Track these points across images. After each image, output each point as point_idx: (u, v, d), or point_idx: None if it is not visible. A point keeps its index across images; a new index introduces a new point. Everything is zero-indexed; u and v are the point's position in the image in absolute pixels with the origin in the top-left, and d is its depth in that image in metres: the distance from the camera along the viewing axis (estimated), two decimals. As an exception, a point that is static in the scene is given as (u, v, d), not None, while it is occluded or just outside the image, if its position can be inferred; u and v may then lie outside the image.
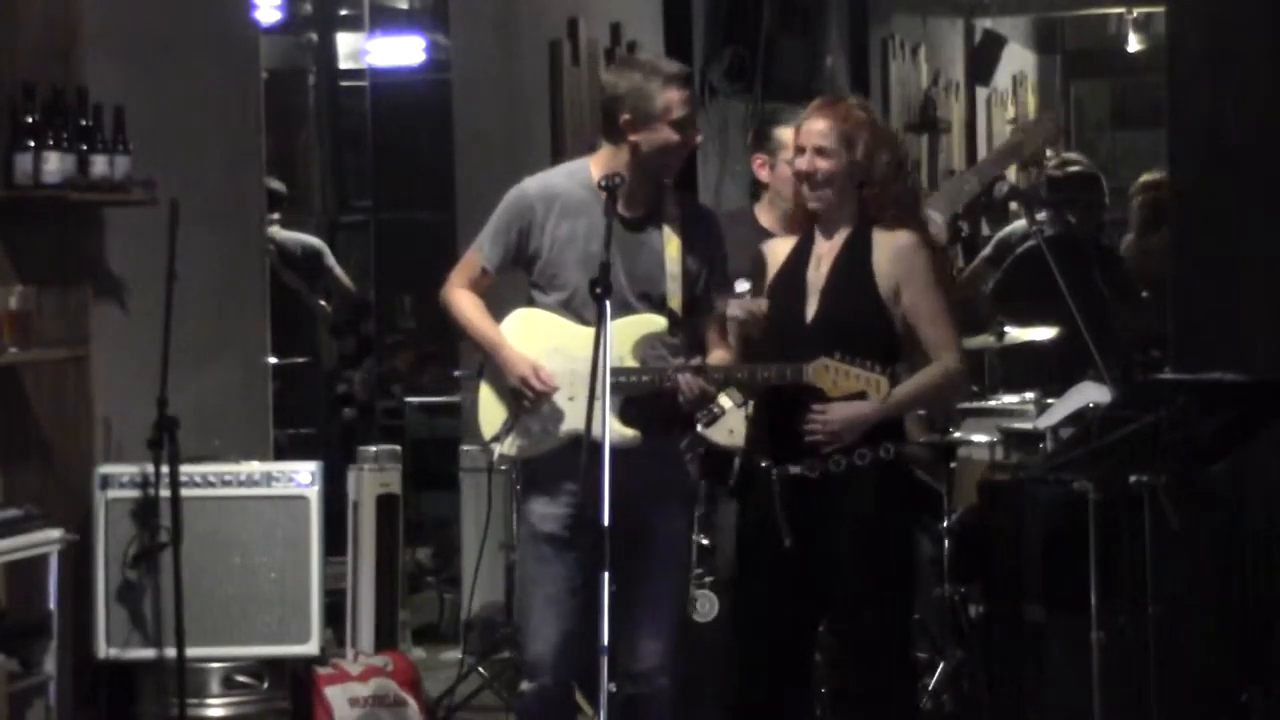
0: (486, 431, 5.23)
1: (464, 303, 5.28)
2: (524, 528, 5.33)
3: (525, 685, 5.24)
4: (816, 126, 5.20)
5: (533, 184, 5.27)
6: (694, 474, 5.34)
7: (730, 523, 5.68)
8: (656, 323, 5.10)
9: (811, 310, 5.19)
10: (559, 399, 5.11)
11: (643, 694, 5.15)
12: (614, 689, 4.94)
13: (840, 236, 5.23)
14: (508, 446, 5.20)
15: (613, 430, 4.84)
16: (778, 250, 5.35)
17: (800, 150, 5.21)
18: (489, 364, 5.22)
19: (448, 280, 5.32)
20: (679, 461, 5.26)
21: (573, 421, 5.07)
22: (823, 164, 5.17)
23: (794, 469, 5.15)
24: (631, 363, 5.05)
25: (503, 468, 7.07)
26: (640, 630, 5.14)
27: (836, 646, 5.36)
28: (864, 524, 5.15)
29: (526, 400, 5.12)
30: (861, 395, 4.92)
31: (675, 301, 5.15)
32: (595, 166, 5.19)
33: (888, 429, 5.20)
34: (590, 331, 4.99)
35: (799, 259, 5.28)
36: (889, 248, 5.20)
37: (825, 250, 5.23)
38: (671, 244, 5.16)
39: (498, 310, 5.28)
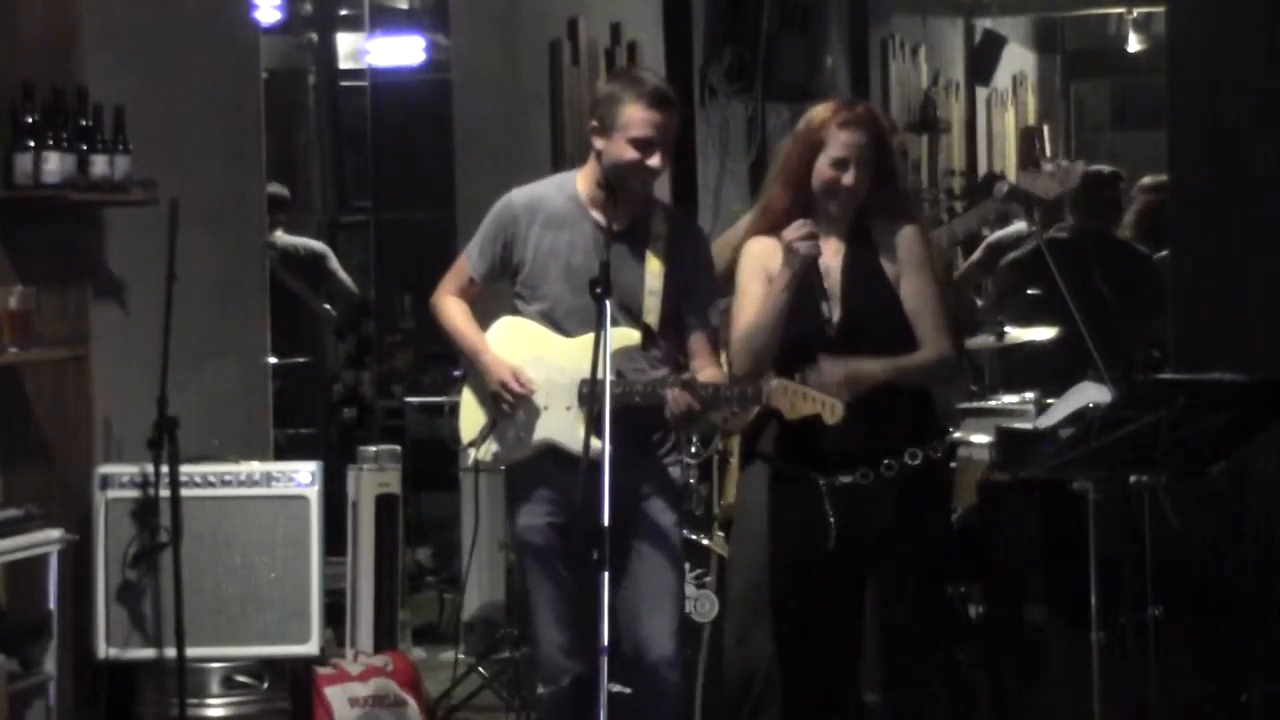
0: (465, 436, 5.26)
1: (450, 309, 5.30)
2: (517, 538, 5.35)
3: (541, 689, 5.27)
4: (861, 139, 5.11)
5: (520, 195, 5.27)
6: (679, 476, 5.30)
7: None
8: (631, 337, 5.09)
9: (835, 317, 5.17)
10: (535, 409, 5.13)
11: (652, 690, 5.15)
12: (621, 689, 4.94)
13: (841, 235, 5.21)
14: (484, 452, 5.23)
15: (581, 441, 4.83)
16: (765, 251, 5.28)
17: (843, 163, 5.11)
18: (471, 369, 5.24)
19: (438, 286, 5.35)
20: (658, 465, 5.22)
21: (546, 430, 5.11)
22: (865, 177, 5.13)
23: (845, 478, 5.16)
24: (609, 375, 5.02)
25: (502, 468, 7.07)
26: (643, 629, 5.14)
27: (889, 631, 5.34)
28: (917, 519, 5.16)
29: (505, 404, 5.13)
30: (817, 418, 4.89)
31: (652, 317, 5.12)
32: (581, 178, 5.21)
33: (934, 427, 5.24)
34: (570, 343, 5.07)
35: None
36: (892, 238, 5.19)
37: (830, 252, 5.20)
38: (654, 260, 5.13)
39: (488, 316, 5.29)
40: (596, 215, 5.13)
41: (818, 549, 5.15)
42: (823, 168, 5.14)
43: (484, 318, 5.32)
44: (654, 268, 5.13)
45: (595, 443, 4.87)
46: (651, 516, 5.17)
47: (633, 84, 5.11)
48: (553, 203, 5.20)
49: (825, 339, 5.11)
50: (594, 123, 5.13)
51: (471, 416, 5.24)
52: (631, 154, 5.05)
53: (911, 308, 5.18)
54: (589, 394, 4.91)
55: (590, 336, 4.89)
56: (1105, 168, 8.63)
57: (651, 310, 5.13)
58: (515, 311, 5.26)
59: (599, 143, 5.11)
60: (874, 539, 5.17)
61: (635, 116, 5.04)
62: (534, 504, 5.19)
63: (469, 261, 5.30)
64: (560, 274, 5.14)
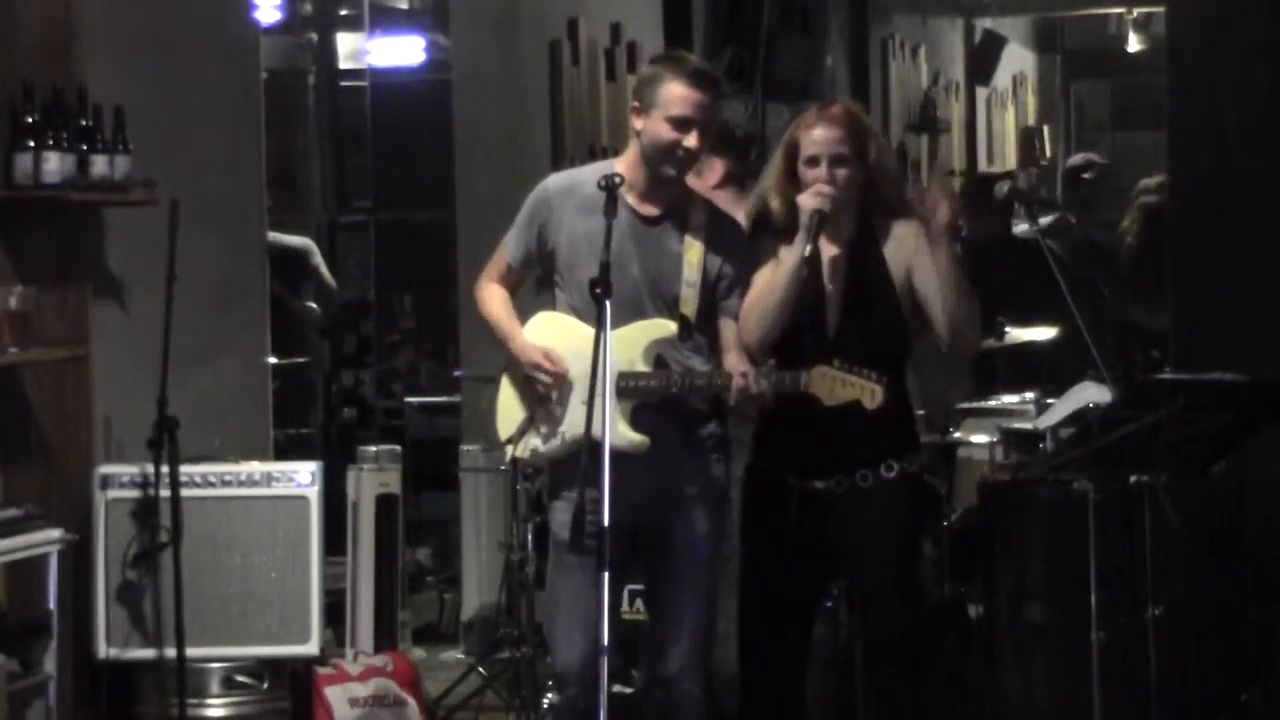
0: (503, 432, 5.20)
1: (489, 296, 5.28)
2: (551, 536, 5.31)
3: (555, 697, 5.23)
4: (831, 135, 5.11)
5: (556, 180, 5.25)
6: (721, 475, 5.22)
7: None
8: (666, 328, 5.04)
9: (833, 322, 5.16)
10: (573, 403, 5.08)
11: (670, 699, 5.13)
12: (623, 689, 4.92)
13: (845, 239, 5.20)
14: (522, 449, 5.17)
15: (621, 435, 4.81)
16: (776, 245, 5.27)
17: (814, 161, 5.12)
18: (510, 363, 5.20)
19: (481, 275, 5.33)
20: (703, 464, 5.16)
21: (583, 425, 5.00)
22: (841, 173, 5.11)
23: (819, 484, 5.15)
24: (642, 367, 5.00)
25: (501, 468, 7.08)
26: (666, 635, 5.11)
27: (865, 641, 5.34)
28: (890, 532, 5.15)
29: (541, 385, 5.08)
30: (856, 403, 4.89)
31: (688, 307, 5.07)
32: (620, 165, 5.16)
33: (909, 441, 5.21)
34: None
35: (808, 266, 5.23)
36: (894, 237, 5.18)
37: (833, 255, 5.19)
38: (693, 249, 5.09)
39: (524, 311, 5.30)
40: (633, 202, 5.08)
41: (786, 551, 5.14)
42: (800, 170, 5.14)
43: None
44: (692, 258, 5.09)
45: (633, 436, 4.88)
46: (689, 523, 5.12)
47: (674, 63, 5.10)
48: (588, 188, 5.11)
49: (823, 347, 5.10)
50: (634, 103, 5.10)
51: (509, 412, 5.19)
52: (669, 133, 5.01)
53: (924, 299, 5.16)
54: (626, 387, 4.88)
55: (627, 328, 4.88)
56: (996, 172, 8.70)
57: (688, 301, 5.08)
58: (548, 307, 5.25)
59: (638, 123, 5.08)
60: (843, 546, 5.16)
61: (674, 94, 5.01)
62: (569, 503, 5.08)
63: (506, 248, 5.26)
64: (593, 260, 4.99)
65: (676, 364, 5.06)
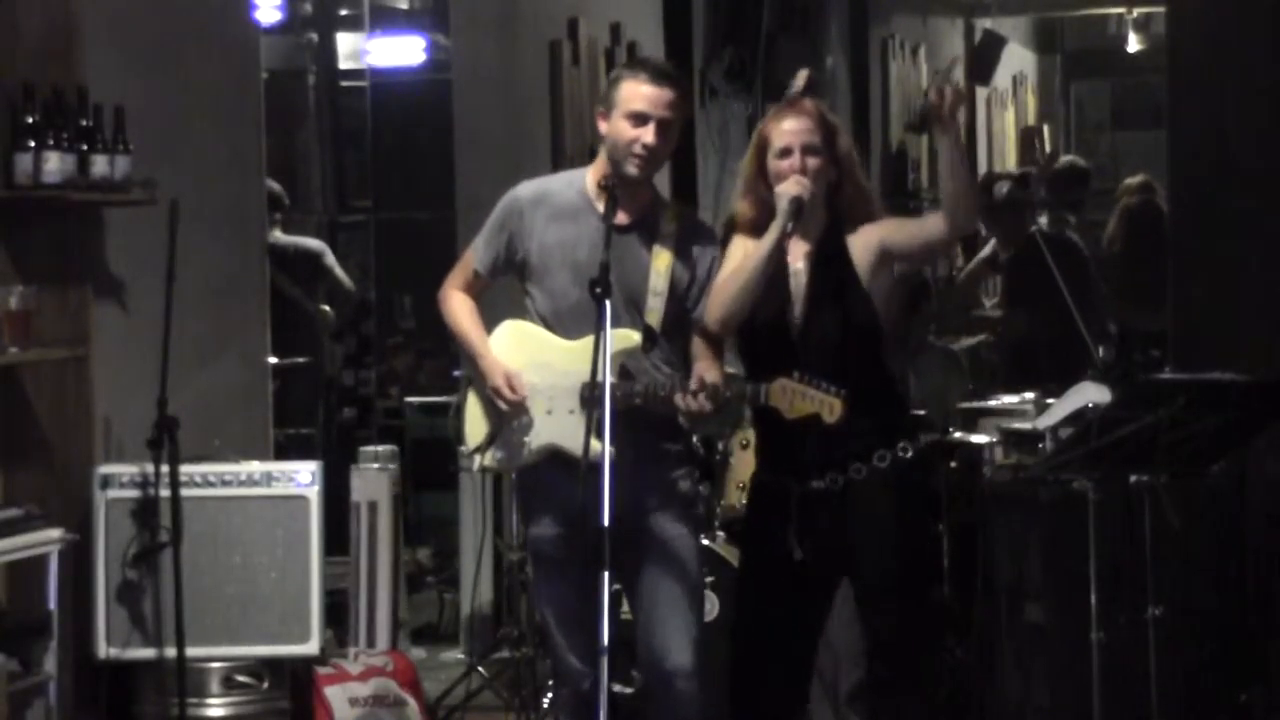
0: (471, 441, 5.23)
1: (456, 306, 5.27)
2: (529, 548, 5.34)
3: (562, 690, 5.26)
4: (801, 125, 5.10)
5: (526, 188, 5.24)
6: (689, 490, 5.24)
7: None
8: (630, 339, 5.04)
9: (798, 321, 5.14)
10: (538, 413, 5.09)
11: (669, 701, 5.13)
12: (623, 689, 4.91)
13: (813, 238, 5.17)
14: (489, 459, 5.20)
15: (589, 444, 4.80)
16: (744, 242, 5.21)
17: (786, 151, 5.10)
18: (474, 373, 5.22)
19: (446, 280, 5.32)
20: (668, 477, 5.17)
21: (549, 435, 5.07)
22: (813, 161, 5.09)
23: (817, 484, 5.13)
24: (609, 377, 4.99)
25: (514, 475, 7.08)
26: (656, 635, 5.11)
27: (867, 638, 5.33)
28: (888, 522, 5.13)
29: (500, 405, 5.11)
30: (816, 417, 4.87)
31: (653, 317, 5.07)
32: (591, 174, 5.16)
33: (903, 427, 5.20)
34: (572, 346, 5.01)
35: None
36: (859, 243, 5.14)
37: (800, 254, 5.17)
38: (660, 258, 5.08)
39: (493, 316, 5.28)
40: (604, 210, 5.05)
41: (789, 557, 5.13)
42: (773, 163, 5.12)
43: (487, 321, 5.30)
44: (660, 266, 5.08)
45: (597, 445, 4.85)
46: (659, 529, 5.12)
47: (633, 63, 5.15)
48: (560, 197, 5.15)
49: (788, 346, 5.08)
50: (599, 108, 5.12)
51: (476, 421, 5.21)
52: (628, 129, 5.01)
53: (905, 239, 5.15)
54: (590, 397, 4.88)
55: (589, 339, 4.85)
56: (1070, 165, 8.79)
57: (654, 310, 5.07)
58: (517, 309, 5.24)
59: (603, 126, 5.09)
60: (848, 543, 5.15)
61: (632, 91, 5.02)
62: (545, 514, 5.14)
63: (474, 255, 5.26)
64: (565, 268, 5.08)
65: (644, 374, 5.06)
